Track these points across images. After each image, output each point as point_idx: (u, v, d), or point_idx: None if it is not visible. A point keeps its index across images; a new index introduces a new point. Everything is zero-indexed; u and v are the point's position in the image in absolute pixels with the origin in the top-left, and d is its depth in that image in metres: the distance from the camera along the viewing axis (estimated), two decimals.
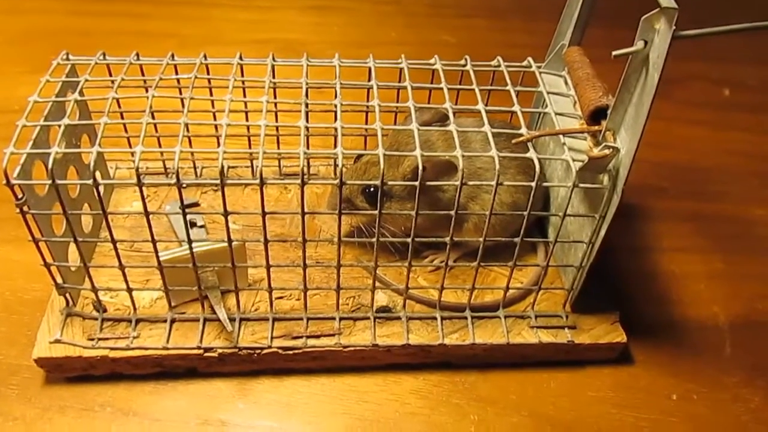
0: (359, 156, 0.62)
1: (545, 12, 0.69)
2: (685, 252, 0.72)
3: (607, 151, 0.48)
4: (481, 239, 0.52)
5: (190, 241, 0.50)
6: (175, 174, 0.46)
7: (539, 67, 0.59)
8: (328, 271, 0.61)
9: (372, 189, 0.58)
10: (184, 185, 0.47)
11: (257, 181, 0.47)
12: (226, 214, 0.49)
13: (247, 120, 0.62)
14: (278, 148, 0.68)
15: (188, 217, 0.63)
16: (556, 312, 0.59)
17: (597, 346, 0.58)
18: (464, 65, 0.58)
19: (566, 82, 0.59)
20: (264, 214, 0.49)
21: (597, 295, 0.59)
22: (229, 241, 0.50)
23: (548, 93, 0.55)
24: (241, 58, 0.56)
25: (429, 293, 0.60)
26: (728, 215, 0.78)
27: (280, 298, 0.59)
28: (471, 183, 0.49)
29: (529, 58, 0.60)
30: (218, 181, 0.46)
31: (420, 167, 0.46)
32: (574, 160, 0.49)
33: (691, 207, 0.79)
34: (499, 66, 0.58)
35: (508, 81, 0.56)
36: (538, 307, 0.59)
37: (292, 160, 0.72)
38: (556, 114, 0.53)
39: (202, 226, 0.63)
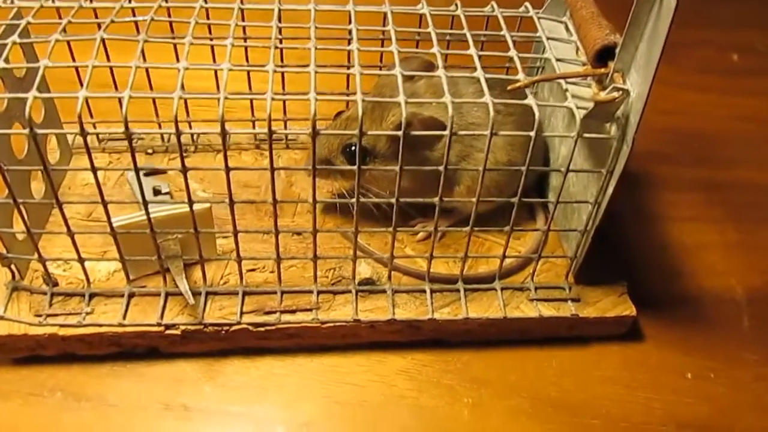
0: (339, 113, 0.56)
1: None
2: (697, 221, 0.67)
3: (615, 94, 0.42)
4: (473, 200, 0.46)
5: (145, 203, 0.44)
6: (124, 122, 0.40)
7: (537, 13, 0.53)
8: (306, 241, 0.56)
9: (353, 147, 0.52)
10: (136, 140, 0.41)
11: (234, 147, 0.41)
12: (184, 170, 0.43)
13: (214, 61, 0.56)
14: (252, 111, 0.63)
15: (152, 183, 0.58)
16: (558, 283, 0.54)
17: (603, 320, 0.52)
18: (455, 10, 0.52)
19: (567, 29, 0.53)
20: (228, 170, 0.43)
21: (602, 265, 0.53)
22: (190, 202, 0.45)
23: (548, 39, 0.50)
24: (205, 1, 0.50)
25: (417, 263, 0.54)
26: (740, 183, 0.72)
27: (252, 270, 0.53)
28: (462, 133, 0.44)
29: (526, 3, 0.54)
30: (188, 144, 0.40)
31: (404, 117, 0.41)
32: (578, 108, 0.43)
33: (701, 174, 0.73)
34: (493, 11, 0.53)
35: (504, 26, 0.50)
36: (538, 278, 0.54)
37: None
38: (557, 60, 0.47)
39: (166, 193, 0.57)
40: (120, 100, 0.39)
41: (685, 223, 0.66)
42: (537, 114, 0.42)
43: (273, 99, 0.41)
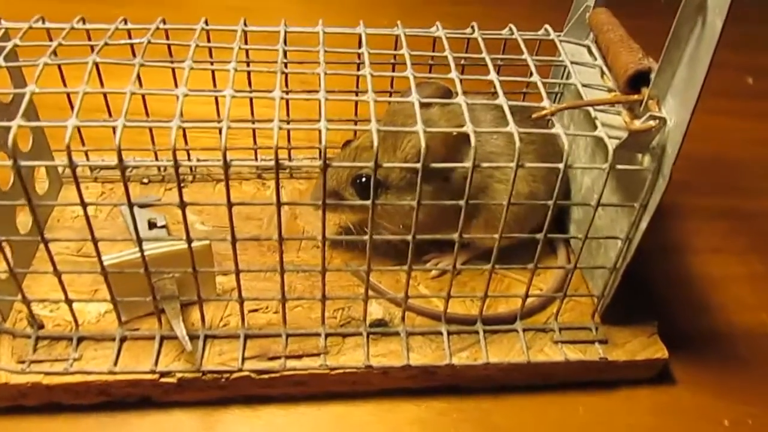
0: (347, 141, 0.52)
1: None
2: (721, 253, 0.63)
3: (652, 123, 0.39)
4: (495, 237, 0.43)
5: (139, 240, 0.41)
6: (117, 152, 0.36)
7: (558, 36, 0.51)
8: (312, 278, 0.52)
9: (364, 178, 0.48)
10: (131, 169, 0.37)
11: (232, 176, 0.37)
12: (182, 205, 0.39)
13: (215, 87, 0.52)
14: (254, 139, 0.59)
15: (148, 216, 0.54)
16: (583, 323, 0.50)
17: (634, 363, 0.48)
18: (471, 33, 0.49)
19: (590, 52, 0.50)
20: (230, 205, 0.40)
21: (630, 303, 0.50)
22: (188, 239, 0.41)
23: (571, 63, 0.47)
24: (206, 23, 0.47)
25: (432, 303, 0.50)
26: (763, 211, 0.69)
27: (255, 311, 0.49)
28: (485, 165, 0.40)
29: (547, 26, 0.51)
30: (185, 175, 0.36)
31: (423, 147, 0.37)
32: (609, 137, 0.40)
33: (722, 203, 0.70)
34: (512, 34, 0.50)
35: (524, 50, 0.47)
36: (562, 318, 0.50)
37: (270, 152, 0.62)
38: (583, 86, 0.44)
39: (162, 227, 0.53)
40: (114, 128, 0.36)
41: (709, 255, 0.63)
42: (566, 144, 0.39)
43: (280, 128, 0.37)
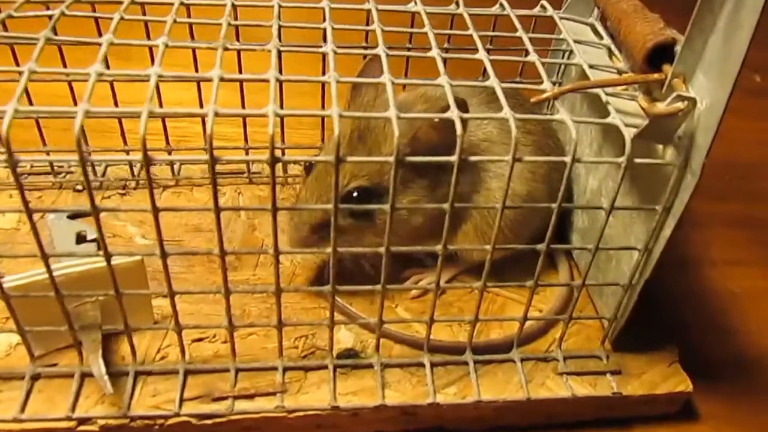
0: (309, 165, 0.44)
1: None
2: (741, 265, 0.56)
3: (680, 105, 0.31)
4: (487, 248, 0.35)
5: (45, 256, 0.33)
6: (6, 146, 0.28)
7: (558, 13, 0.43)
8: (270, 300, 0.44)
9: (356, 193, 0.40)
10: (64, 174, 0.29)
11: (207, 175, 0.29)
12: (96, 211, 0.31)
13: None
14: (245, 132, 0.51)
15: (77, 228, 0.46)
16: (592, 351, 0.42)
17: (652, 398, 0.41)
18: (455, 9, 0.42)
19: (595, 31, 0.43)
20: (156, 211, 0.32)
21: (645, 326, 0.42)
22: (107, 255, 0.33)
23: (575, 42, 0.39)
24: None
25: (413, 329, 0.42)
26: None
27: (199, 340, 0.41)
28: (473, 159, 0.32)
29: (543, 2, 0.44)
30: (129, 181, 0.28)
31: (397, 136, 0.29)
32: (626, 125, 0.32)
33: (735, 209, 0.63)
34: (503, 10, 0.42)
35: (519, 27, 0.39)
36: (566, 344, 0.42)
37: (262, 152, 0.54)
38: (590, 68, 0.37)
39: (92, 241, 0.45)
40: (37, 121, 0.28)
41: (728, 268, 0.55)
42: (574, 132, 0.31)
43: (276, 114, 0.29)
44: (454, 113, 0.31)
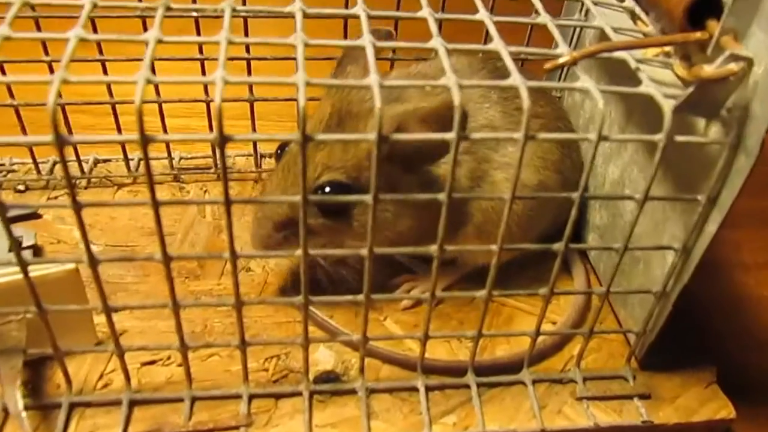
0: (283, 146, 0.38)
1: None
2: None
3: (732, 67, 0.25)
4: (493, 248, 0.28)
5: None
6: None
7: None
8: (234, 315, 0.37)
9: (328, 188, 0.34)
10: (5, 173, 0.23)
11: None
12: (77, 207, 0.25)
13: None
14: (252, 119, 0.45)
15: (15, 232, 0.40)
16: (615, 371, 0.36)
17: (689, 427, 0.34)
18: None
19: None
20: (156, 205, 0.26)
21: (676, 340, 0.36)
22: (22, 264, 0.27)
23: (593, 2, 0.33)
24: None
25: (405, 346, 0.36)
26: None
27: (150, 363, 0.34)
28: (476, 136, 0.26)
29: None
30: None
31: (378, 109, 0.23)
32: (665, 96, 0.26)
33: (764, 206, 0.56)
34: None
35: None
36: (585, 362, 0.36)
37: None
38: (613, 30, 0.31)
39: (30, 247, 0.39)
40: None
41: (761, 272, 0.49)
42: (601, 102, 0.25)
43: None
44: (450, 80, 0.25)
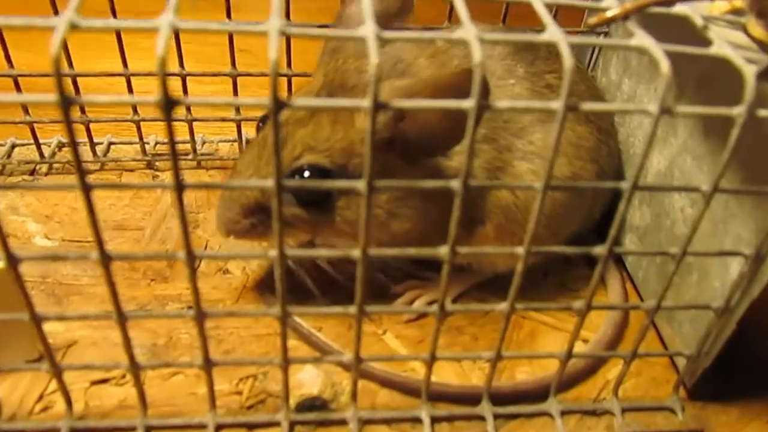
0: (265, 117, 0.32)
1: None
2: None
3: None
4: (519, 250, 0.23)
5: None
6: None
7: None
8: (208, 324, 0.31)
9: (307, 172, 0.28)
10: None
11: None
12: (85, 188, 0.20)
13: None
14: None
15: None
16: (660, 401, 0.30)
17: None
18: None
19: None
20: (180, 189, 0.24)
21: (734, 366, 0.30)
22: None
23: None
24: None
25: (407, 366, 0.30)
26: None
27: (102, 382, 0.29)
28: (504, 106, 0.20)
29: None
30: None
31: (374, 75, 0.18)
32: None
33: None
34: None
35: None
36: (624, 390, 0.30)
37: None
38: None
39: None
40: None
41: None
42: (664, 65, 0.19)
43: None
44: (468, 32, 0.19)
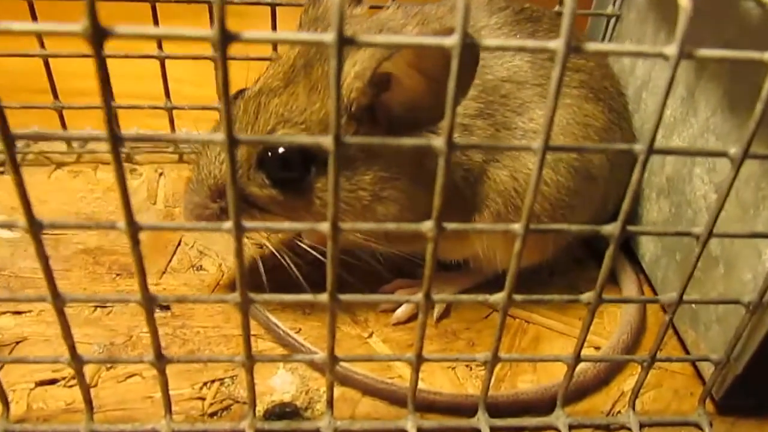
0: (240, 91, 0.29)
1: None
2: None
3: None
4: (515, 227, 0.19)
5: None
6: None
7: None
8: (174, 321, 0.28)
9: (285, 149, 0.25)
10: None
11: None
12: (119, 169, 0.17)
13: None
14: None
15: None
16: (684, 415, 0.26)
17: None
18: None
19: None
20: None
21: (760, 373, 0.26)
22: None
23: None
24: None
25: (393, 371, 0.27)
26: None
27: (50, 382, 0.26)
28: (491, 43, 0.17)
29: None
30: None
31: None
32: None
33: None
34: None
35: None
36: (642, 402, 0.26)
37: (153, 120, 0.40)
38: None
39: None
40: None
41: None
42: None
43: None
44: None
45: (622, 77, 0.34)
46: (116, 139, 0.17)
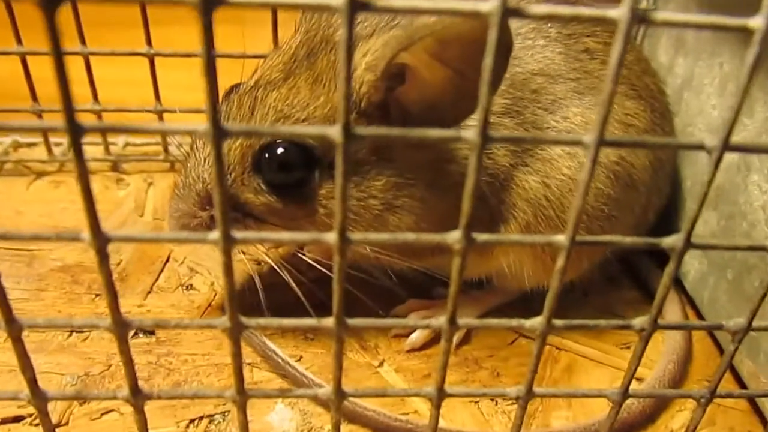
0: (235, 86, 0.26)
1: None
2: None
3: None
4: (560, 239, 0.16)
5: None
6: None
7: None
8: (158, 348, 0.25)
9: (281, 149, 0.22)
10: None
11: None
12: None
13: None
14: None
15: None
16: None
17: None
18: None
19: None
20: None
21: None
22: None
23: None
24: None
25: (408, 406, 0.23)
26: None
27: (16, 420, 0.23)
28: (538, 12, 0.14)
29: None
30: None
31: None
32: None
33: None
34: None
35: None
36: None
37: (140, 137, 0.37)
38: None
39: None
40: None
41: None
42: (763, 23, 0.13)
43: None
44: None
45: (660, 74, 0.31)
46: (76, 129, 0.14)
